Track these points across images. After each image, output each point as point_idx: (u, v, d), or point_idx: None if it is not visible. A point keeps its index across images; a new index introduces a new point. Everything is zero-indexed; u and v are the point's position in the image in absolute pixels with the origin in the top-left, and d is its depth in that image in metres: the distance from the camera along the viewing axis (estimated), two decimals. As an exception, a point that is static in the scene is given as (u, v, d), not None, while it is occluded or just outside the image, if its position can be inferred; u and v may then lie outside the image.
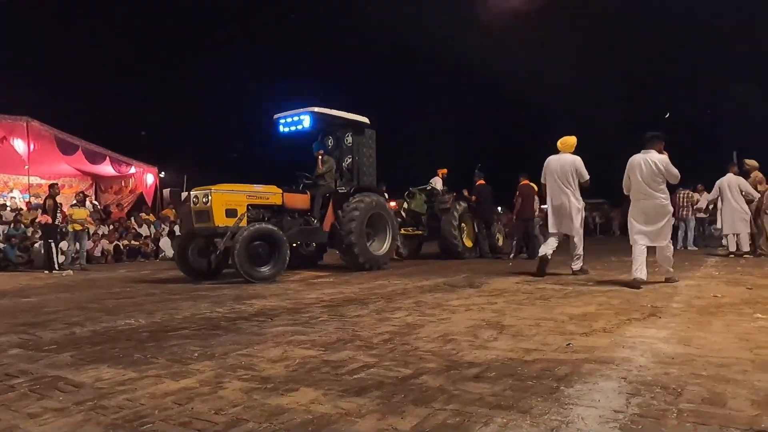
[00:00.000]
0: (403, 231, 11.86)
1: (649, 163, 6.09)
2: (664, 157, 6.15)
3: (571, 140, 7.48)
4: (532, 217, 11.65)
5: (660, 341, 3.22)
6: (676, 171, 6.10)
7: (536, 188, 11.25)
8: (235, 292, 6.43)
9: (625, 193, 6.51)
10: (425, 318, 4.27)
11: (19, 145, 15.26)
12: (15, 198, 17.41)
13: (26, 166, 16.04)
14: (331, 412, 2.15)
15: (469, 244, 12.34)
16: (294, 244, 9.19)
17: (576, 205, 7.33)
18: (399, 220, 11.45)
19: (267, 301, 5.55)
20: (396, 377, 2.61)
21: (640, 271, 5.97)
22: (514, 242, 12.23)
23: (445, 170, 13.25)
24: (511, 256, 11.63)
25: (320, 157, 9.66)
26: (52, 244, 11.21)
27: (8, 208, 15.39)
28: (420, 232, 12.50)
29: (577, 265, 7.46)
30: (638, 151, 6.39)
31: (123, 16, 36.18)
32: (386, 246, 9.72)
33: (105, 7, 34.70)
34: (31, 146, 15.37)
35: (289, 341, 3.51)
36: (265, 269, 7.63)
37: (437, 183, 12.99)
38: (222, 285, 7.38)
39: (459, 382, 2.50)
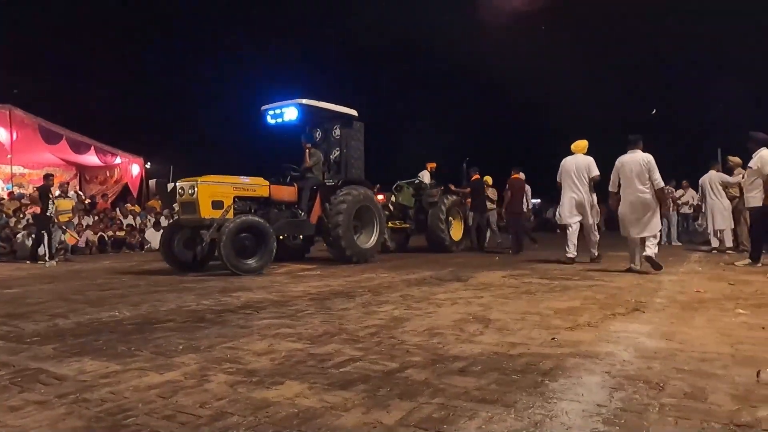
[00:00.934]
0: (390, 224, 11.85)
1: (638, 162, 6.87)
2: (650, 157, 6.89)
3: (583, 143, 8.47)
4: (522, 211, 11.66)
5: (643, 336, 3.26)
6: (658, 176, 6.81)
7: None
8: (221, 285, 6.40)
9: (612, 189, 7.21)
10: (412, 311, 4.28)
11: (1, 133, 15.03)
12: None
13: (9, 155, 15.80)
14: (317, 405, 2.15)
15: (456, 237, 12.38)
16: (281, 237, 9.15)
17: (589, 199, 8.24)
18: (386, 213, 11.44)
19: (253, 294, 5.53)
20: (382, 371, 2.61)
21: (636, 261, 6.99)
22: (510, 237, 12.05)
23: (434, 164, 13.26)
24: (511, 252, 11.19)
25: (307, 149, 9.61)
26: (45, 235, 10.96)
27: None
28: (407, 226, 12.50)
29: (594, 251, 8.38)
30: (624, 150, 7.13)
31: (111, 6, 35.66)
32: (373, 239, 9.72)
33: (90, -6, 34.15)
34: (14, 135, 15.14)
35: (275, 334, 3.50)
36: (251, 261, 7.60)
37: (425, 177, 13.01)
38: (208, 277, 7.34)
39: (444, 375, 2.51)
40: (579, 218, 8.33)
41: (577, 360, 2.73)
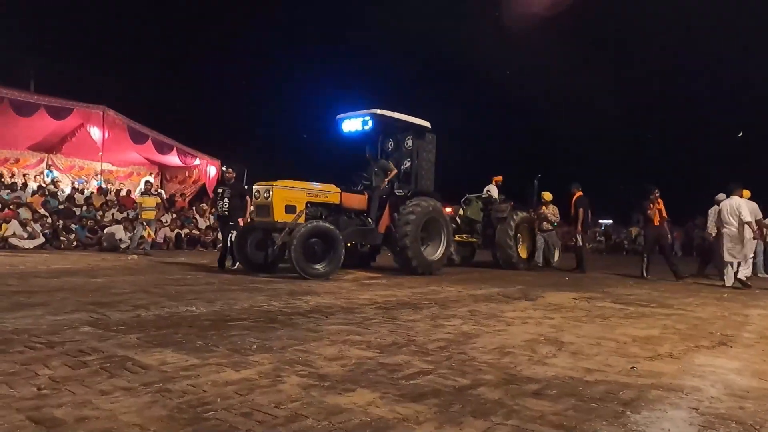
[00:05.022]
0: (457, 237, 11.74)
1: (734, 206, 9.04)
2: (743, 203, 9.01)
3: (747, 193, 9.80)
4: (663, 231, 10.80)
5: (732, 372, 3.05)
6: (745, 213, 8.83)
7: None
8: (290, 287, 6.54)
9: (716, 225, 9.59)
10: (480, 328, 4.21)
11: (95, 132, 16.10)
12: (90, 185, 18.31)
13: (100, 153, 16.88)
14: (389, 416, 2.14)
15: (524, 254, 12.09)
16: (348, 244, 9.25)
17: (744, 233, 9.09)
18: (453, 226, 11.33)
19: (321, 299, 5.62)
20: (453, 386, 2.57)
21: (729, 280, 8.98)
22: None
23: (500, 177, 12.90)
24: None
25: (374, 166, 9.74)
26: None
27: (77, 191, 16.25)
28: (474, 240, 12.35)
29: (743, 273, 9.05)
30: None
31: (198, 14, 37.62)
32: (440, 252, 9.65)
33: (178, 6, 36.20)
34: (106, 134, 16.17)
35: (345, 340, 3.53)
36: (319, 266, 7.73)
37: (493, 191, 12.79)
38: (277, 279, 7.52)
39: (518, 397, 2.44)
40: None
41: (660, 392, 2.59)
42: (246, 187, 9.50)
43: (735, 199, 9.11)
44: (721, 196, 10.56)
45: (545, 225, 11.87)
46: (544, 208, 12.01)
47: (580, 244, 11.74)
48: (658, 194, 10.29)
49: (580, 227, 11.63)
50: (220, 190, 9.38)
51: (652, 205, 10.30)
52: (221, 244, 9.53)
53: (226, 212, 9.07)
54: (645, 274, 10.22)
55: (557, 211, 12.22)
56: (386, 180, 9.43)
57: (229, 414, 2.10)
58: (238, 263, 8.90)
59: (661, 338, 4.06)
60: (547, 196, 12.09)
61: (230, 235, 8.94)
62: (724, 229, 9.08)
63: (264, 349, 3.19)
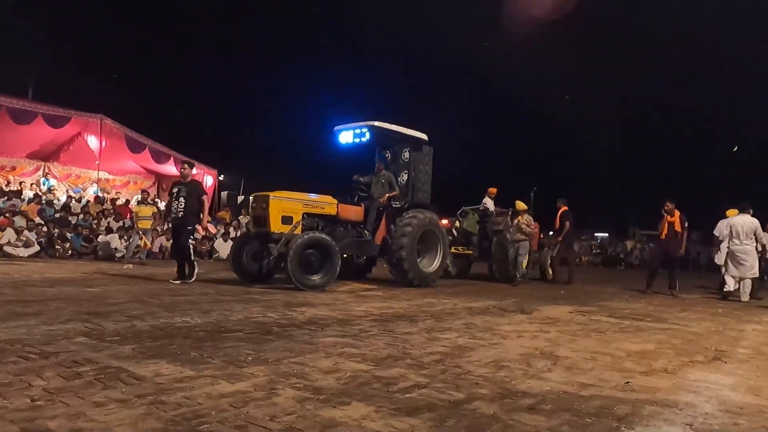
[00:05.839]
0: (453, 250, 11.73)
1: (746, 224, 9.48)
2: (756, 223, 9.49)
3: (734, 211, 10.06)
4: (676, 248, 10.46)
5: (726, 388, 3.06)
6: (760, 234, 9.45)
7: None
8: (286, 299, 6.52)
9: (721, 239, 9.72)
10: (476, 341, 4.21)
11: (92, 141, 16.12)
12: (87, 193, 18.29)
13: (97, 162, 16.88)
14: (384, 430, 2.14)
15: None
16: (345, 255, 9.24)
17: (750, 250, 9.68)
18: (450, 238, 11.34)
19: (317, 310, 5.61)
20: (448, 400, 2.57)
21: (730, 287, 9.45)
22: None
23: (494, 189, 12.78)
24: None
25: (381, 178, 9.72)
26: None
27: (73, 200, 16.22)
28: (470, 252, 12.35)
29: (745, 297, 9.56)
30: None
31: (196, 23, 37.84)
32: (436, 264, 9.66)
33: (177, 16, 36.40)
34: (103, 143, 16.19)
35: (340, 353, 3.53)
36: (315, 278, 7.71)
37: (489, 203, 12.76)
38: (273, 290, 7.50)
39: (513, 411, 2.44)
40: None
41: (654, 408, 2.59)
42: (235, 194, 9.14)
43: (748, 218, 9.53)
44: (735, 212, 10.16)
45: (518, 235, 11.14)
46: (519, 218, 11.62)
47: (553, 254, 11.99)
48: (670, 206, 10.03)
49: (560, 238, 11.87)
50: (175, 190, 8.32)
51: (662, 219, 10.10)
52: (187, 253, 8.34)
53: (181, 213, 8.11)
54: (645, 288, 10.20)
55: (531, 221, 11.51)
56: (386, 197, 9.44)
57: (223, 427, 2.10)
58: (182, 280, 8.13)
59: (656, 353, 4.07)
60: (521, 205, 11.43)
61: (189, 243, 8.10)
62: (735, 246, 9.47)
63: (259, 361, 3.19)
